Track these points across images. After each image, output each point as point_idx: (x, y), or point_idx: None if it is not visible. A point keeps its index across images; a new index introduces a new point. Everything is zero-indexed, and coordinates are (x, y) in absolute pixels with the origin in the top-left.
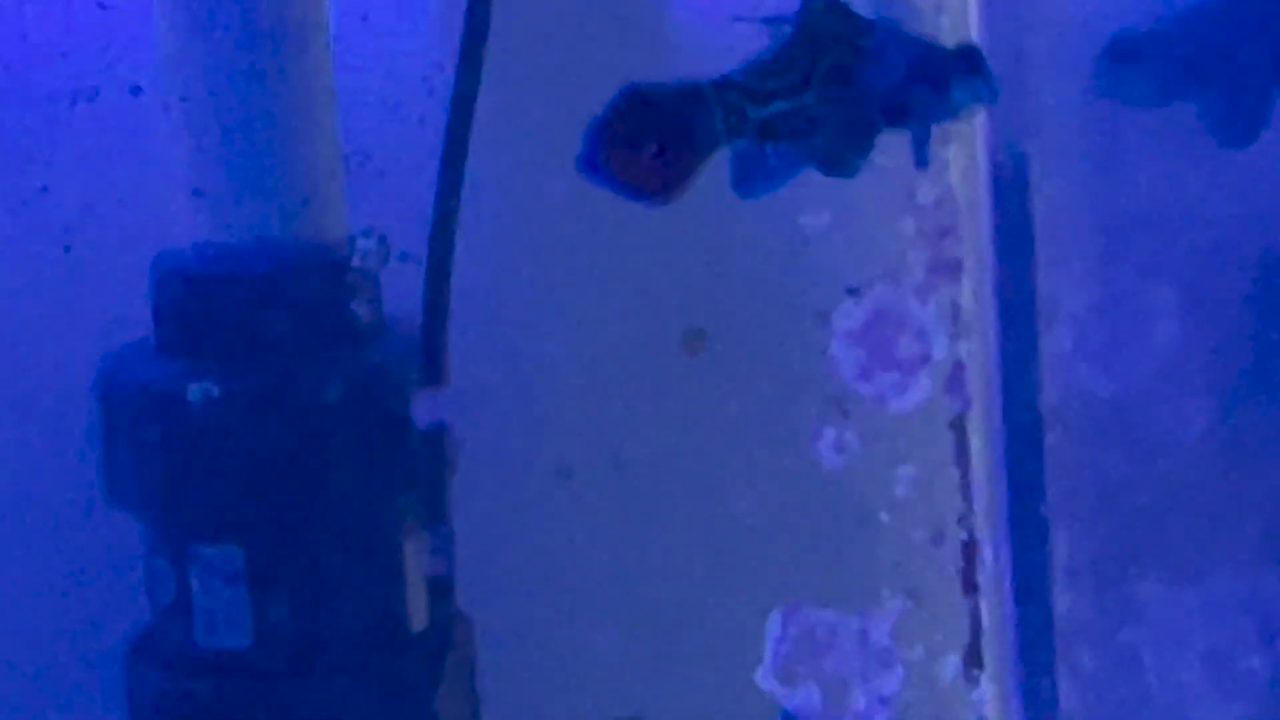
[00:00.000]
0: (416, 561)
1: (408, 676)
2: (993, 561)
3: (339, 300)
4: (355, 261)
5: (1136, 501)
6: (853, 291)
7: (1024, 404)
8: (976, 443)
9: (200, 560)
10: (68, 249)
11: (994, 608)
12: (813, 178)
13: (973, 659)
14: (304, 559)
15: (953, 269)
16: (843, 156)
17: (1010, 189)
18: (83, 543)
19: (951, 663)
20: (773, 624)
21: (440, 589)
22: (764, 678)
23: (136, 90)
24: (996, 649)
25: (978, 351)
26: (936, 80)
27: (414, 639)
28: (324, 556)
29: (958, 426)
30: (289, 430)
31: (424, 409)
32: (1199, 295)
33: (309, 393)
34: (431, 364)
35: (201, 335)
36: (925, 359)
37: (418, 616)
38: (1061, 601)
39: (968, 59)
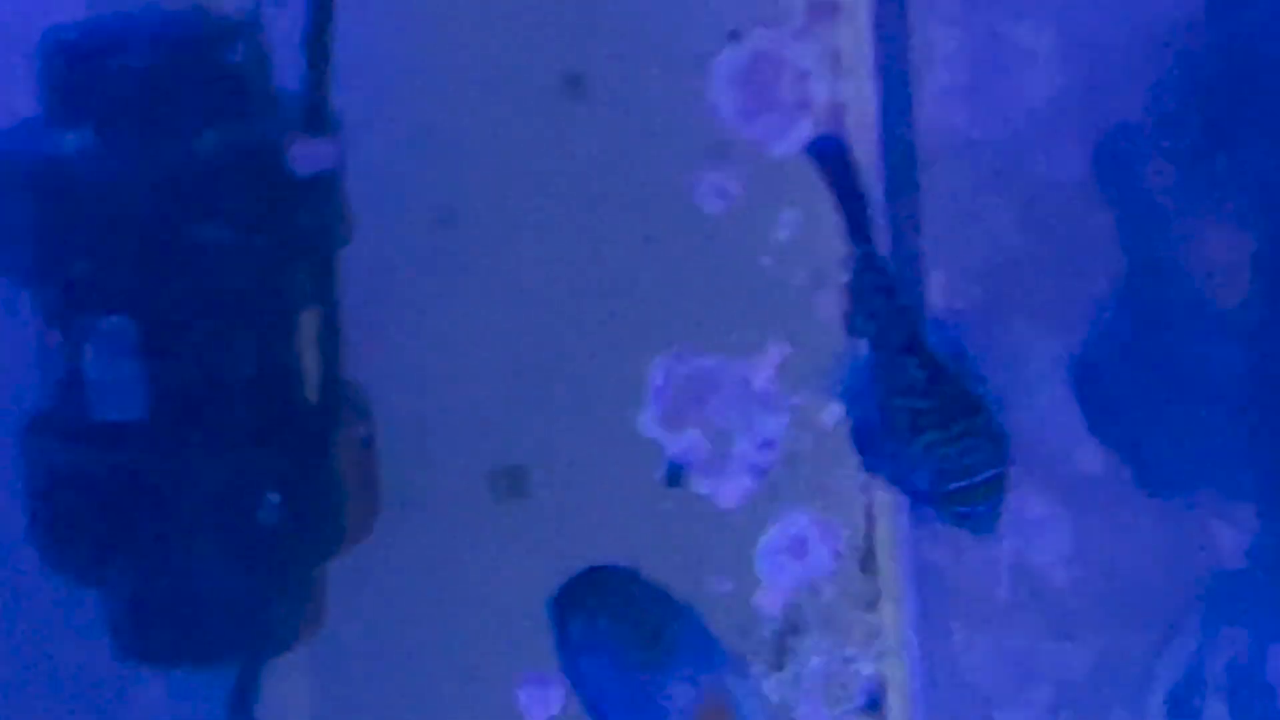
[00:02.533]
0: (308, 329)
1: (302, 444)
2: None
3: (218, 54)
4: (232, 12)
5: (1012, 243)
6: (733, 35)
7: (902, 145)
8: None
9: (91, 332)
10: None
11: None
12: None
13: None
14: (195, 327)
15: (831, 11)
16: None
17: None
18: None
19: (834, 407)
20: (656, 371)
21: (328, 356)
22: (647, 424)
23: None
24: None
25: (858, 93)
26: None
27: (309, 408)
28: (215, 325)
29: None
30: (165, 182)
31: (303, 158)
32: (1074, 39)
33: (183, 141)
34: (313, 112)
35: (82, 102)
36: (806, 102)
37: (311, 386)
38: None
39: None
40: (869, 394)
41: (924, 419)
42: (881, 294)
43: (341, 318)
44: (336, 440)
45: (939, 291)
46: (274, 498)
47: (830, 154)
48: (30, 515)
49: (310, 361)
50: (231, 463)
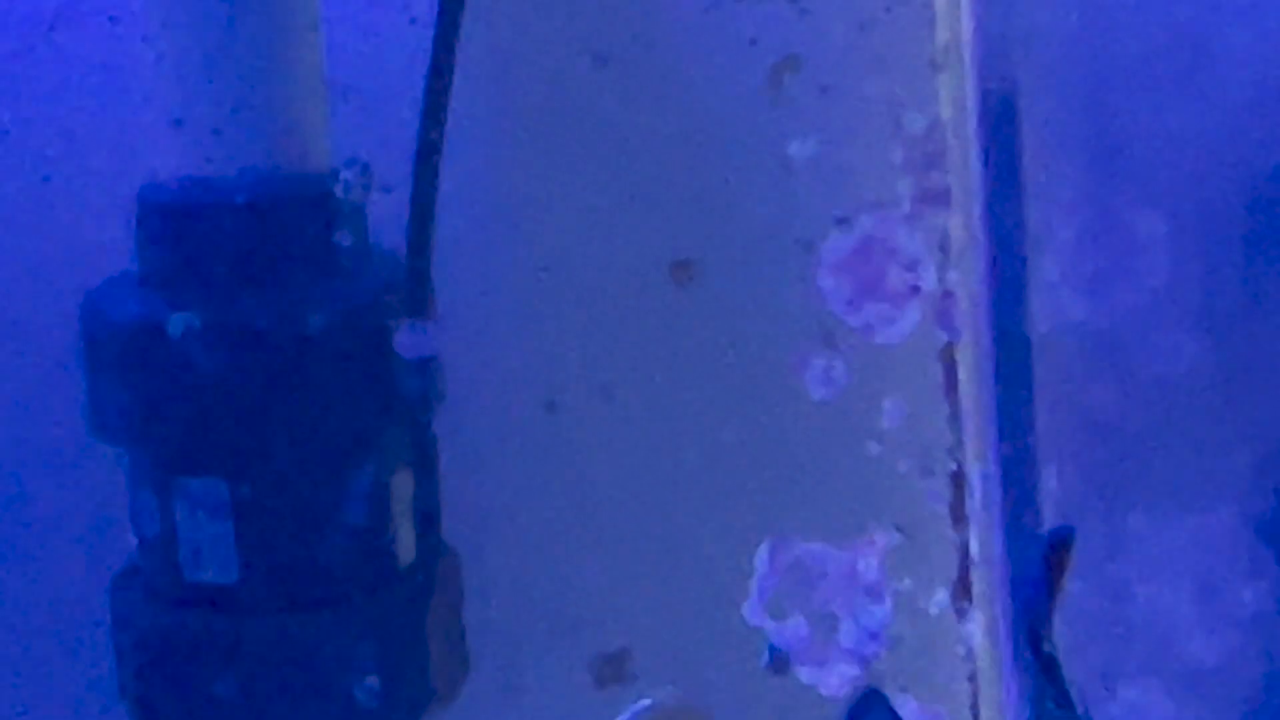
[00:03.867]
0: (402, 495)
1: (395, 611)
2: (981, 494)
3: (322, 231)
4: (338, 192)
5: (1125, 432)
6: (841, 221)
7: (1013, 335)
8: (965, 374)
9: (184, 493)
10: (47, 179)
11: (982, 540)
12: (800, 103)
13: (962, 592)
14: (289, 493)
15: (941, 198)
16: None
17: (999, 117)
18: (74, 478)
19: (940, 596)
20: (760, 557)
21: (426, 523)
22: (751, 612)
23: (115, 19)
24: (985, 582)
25: (966, 282)
26: None
27: (401, 573)
28: (309, 491)
29: (946, 357)
30: (270, 362)
31: (408, 341)
32: (1188, 224)
33: (291, 323)
34: (416, 295)
35: (183, 268)
36: (914, 289)
37: (405, 551)
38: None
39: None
40: None
41: None
42: None
43: (438, 490)
44: (431, 609)
45: (1051, 480)
46: (373, 681)
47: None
48: (118, 672)
49: (405, 532)
50: (325, 631)
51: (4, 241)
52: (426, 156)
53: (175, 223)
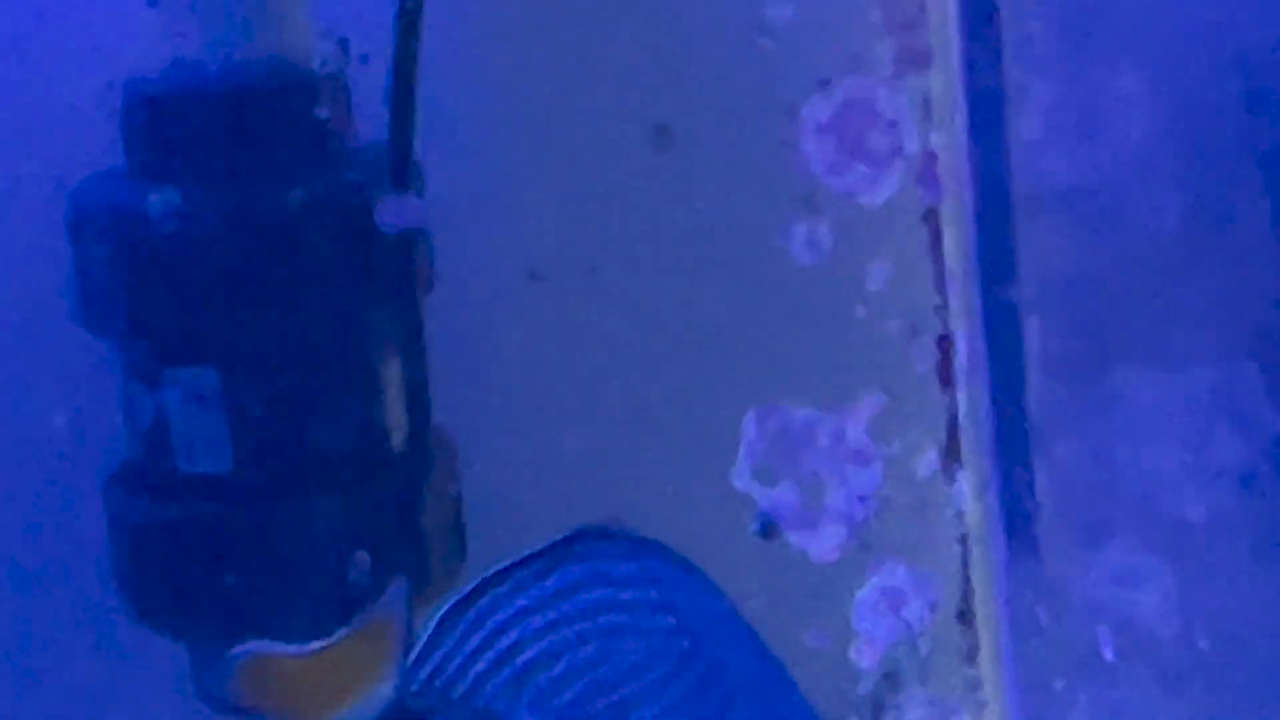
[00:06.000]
0: (392, 378)
1: (391, 495)
2: (968, 355)
3: (304, 112)
4: (316, 66)
5: (1109, 290)
6: (822, 84)
7: (996, 195)
8: (949, 235)
9: (175, 384)
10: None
11: (971, 401)
12: None
13: (951, 453)
14: (279, 379)
15: (922, 59)
16: None
17: None
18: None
19: (929, 458)
20: (747, 424)
21: (417, 406)
22: (739, 478)
23: None
24: (974, 443)
25: (949, 143)
26: None
27: (395, 457)
28: (299, 375)
29: (931, 219)
30: (253, 239)
31: (390, 215)
32: (1169, 82)
33: (272, 198)
34: (398, 169)
35: (166, 156)
36: (897, 151)
37: (397, 435)
38: (1036, 393)
39: None
40: None
41: None
42: None
43: (427, 371)
44: (425, 494)
45: (1036, 339)
46: (364, 558)
47: None
48: (114, 567)
49: (397, 415)
50: (320, 517)
51: None
52: (407, 26)
53: (156, 112)
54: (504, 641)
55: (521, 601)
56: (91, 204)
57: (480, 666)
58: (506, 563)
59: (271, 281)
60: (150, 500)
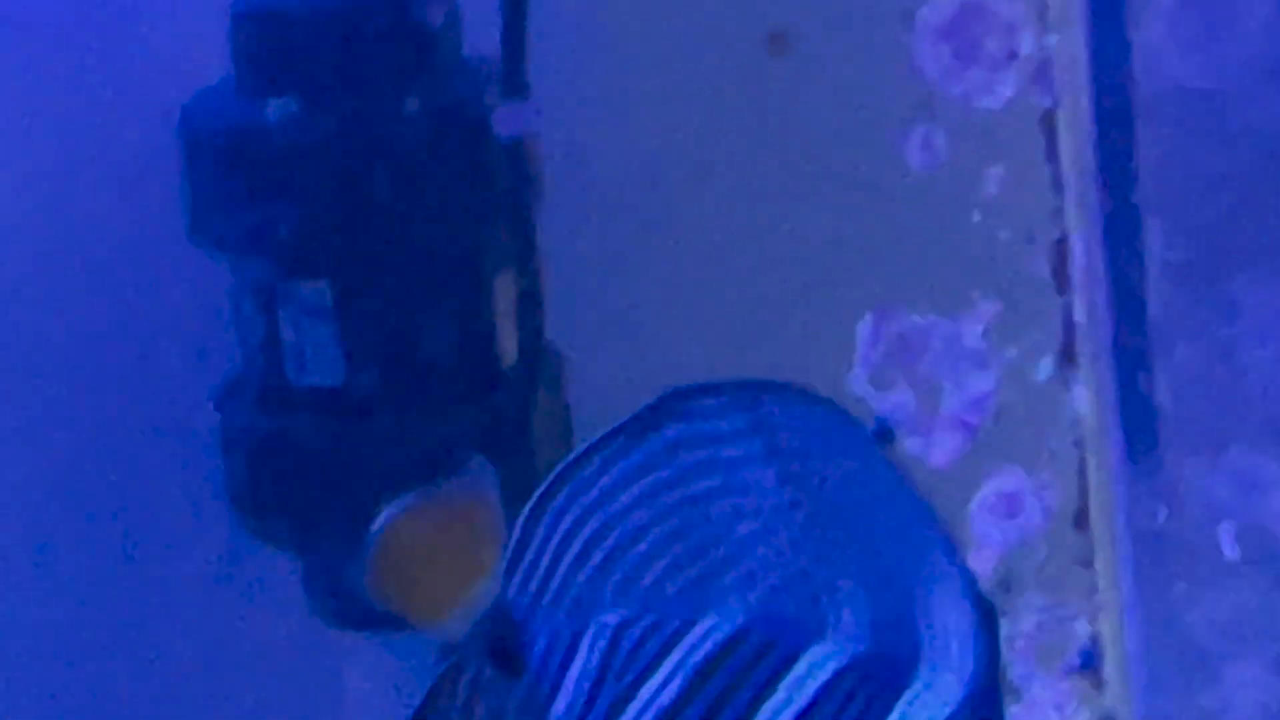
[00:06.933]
0: (506, 289)
1: (501, 410)
2: (1085, 259)
3: (413, 19)
4: None
5: (1231, 193)
6: None
7: (1115, 98)
8: (1066, 138)
9: (288, 298)
10: None
11: (1088, 306)
12: None
13: (1067, 358)
14: (391, 292)
15: None
16: None
17: None
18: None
19: (1045, 363)
20: (864, 329)
21: (528, 319)
22: (855, 383)
23: None
24: (1091, 347)
25: (1066, 46)
26: None
27: (506, 370)
28: (413, 289)
29: (1047, 123)
30: (369, 146)
31: (505, 122)
32: None
33: (388, 106)
34: (512, 75)
35: (280, 70)
36: (1012, 55)
37: (509, 346)
38: (1156, 297)
39: None
40: None
41: None
42: None
43: (541, 283)
44: (535, 406)
45: (1157, 243)
46: (482, 460)
47: None
48: (226, 481)
49: (509, 327)
50: (431, 430)
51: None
52: None
53: (268, 26)
54: (589, 528)
55: (606, 481)
56: (205, 118)
57: (568, 559)
58: (591, 441)
59: (386, 190)
60: (263, 412)
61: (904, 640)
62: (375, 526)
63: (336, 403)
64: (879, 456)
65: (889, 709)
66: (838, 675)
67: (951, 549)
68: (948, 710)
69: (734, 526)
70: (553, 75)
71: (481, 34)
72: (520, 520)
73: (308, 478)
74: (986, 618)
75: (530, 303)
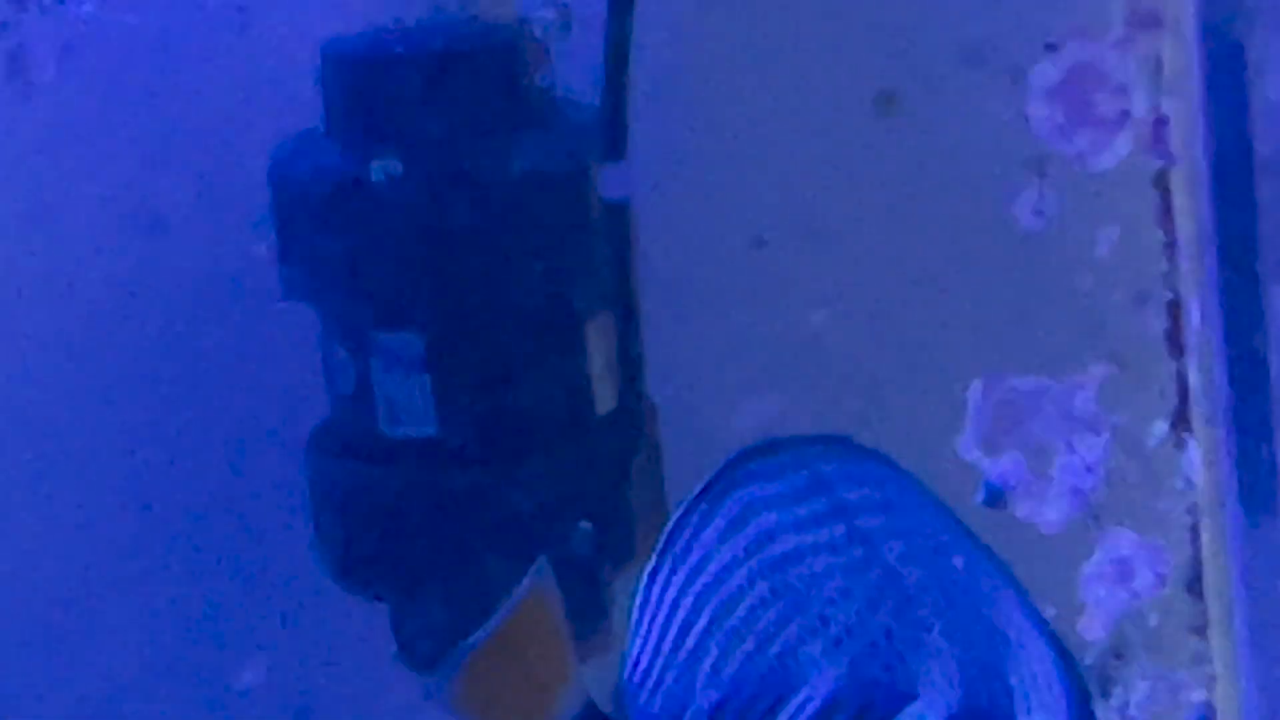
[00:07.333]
0: (601, 342)
1: (596, 460)
2: (1199, 322)
3: (515, 77)
4: (536, 33)
5: None
6: (1050, 47)
7: (1235, 158)
8: (1181, 200)
9: (380, 348)
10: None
11: (1202, 369)
12: None
13: (1180, 422)
14: (486, 343)
15: (1152, 20)
16: None
17: None
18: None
19: (1158, 427)
20: (974, 393)
21: (627, 371)
22: (966, 448)
23: None
24: (1205, 411)
25: (1181, 105)
26: None
27: (600, 421)
28: (506, 339)
29: (1160, 183)
30: (472, 207)
31: (608, 183)
32: None
33: (493, 168)
34: (613, 137)
35: (374, 120)
36: (1125, 115)
37: (604, 399)
38: (1278, 361)
39: None
40: None
41: None
42: None
43: (641, 338)
44: (632, 457)
45: (1278, 306)
46: (587, 526)
47: None
48: (316, 529)
49: (606, 381)
50: (524, 482)
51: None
52: None
53: (363, 75)
54: (683, 611)
55: (693, 558)
56: (297, 169)
57: (667, 646)
58: (678, 514)
59: (486, 247)
60: (354, 462)
61: (995, 691)
62: (449, 668)
63: (429, 453)
64: (938, 505)
65: None
66: None
67: (1021, 592)
68: None
69: (814, 591)
70: (655, 136)
71: (583, 92)
72: (635, 608)
73: (399, 528)
74: (1068, 660)
75: (631, 356)
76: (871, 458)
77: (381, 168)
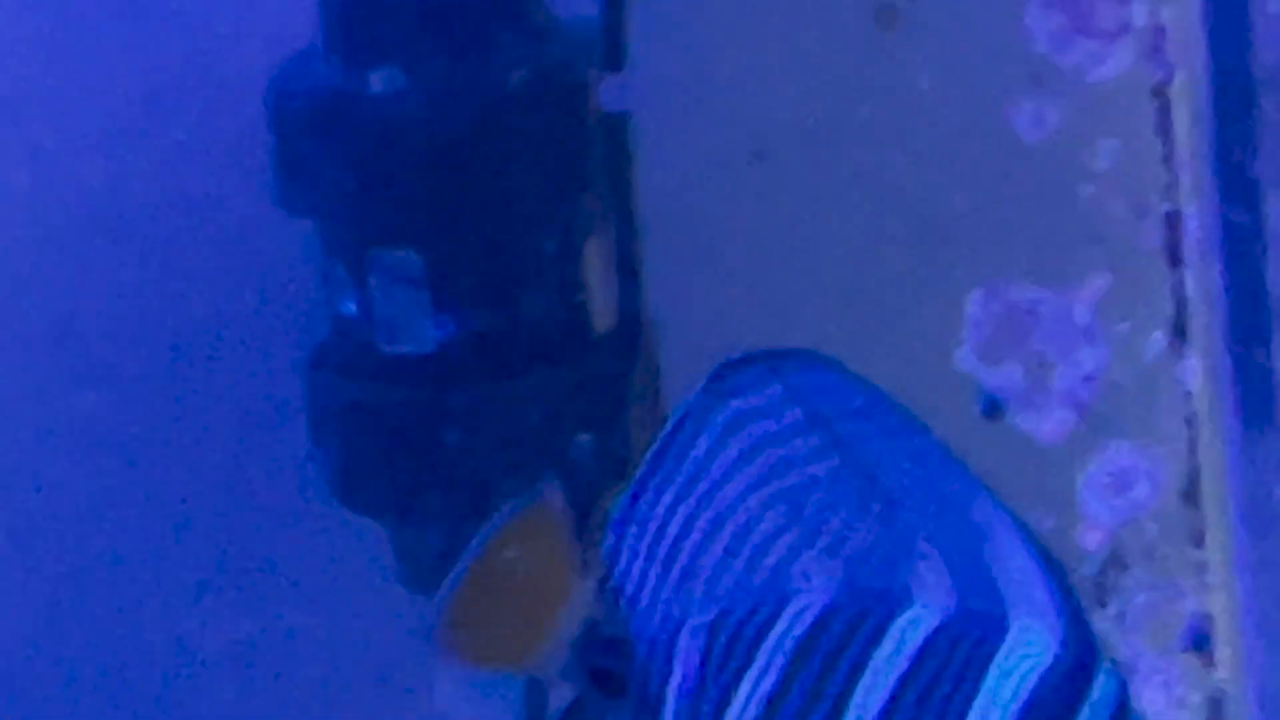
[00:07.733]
0: (601, 259)
1: (595, 379)
2: (1198, 232)
3: None
4: None
5: None
6: None
7: (1234, 69)
8: (1180, 111)
9: (379, 266)
10: None
11: (1200, 280)
12: None
13: (1179, 333)
14: (484, 260)
15: None
16: None
17: None
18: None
19: (1156, 338)
20: (972, 303)
21: (626, 287)
22: (964, 359)
23: None
24: (1203, 322)
25: (1181, 16)
26: None
27: (599, 340)
28: (504, 256)
29: (1160, 95)
30: (475, 116)
31: (608, 95)
32: None
33: (494, 80)
34: (612, 48)
35: (371, 36)
36: (1125, 26)
37: (605, 315)
38: (1275, 271)
39: None
40: None
41: None
42: None
43: (640, 251)
44: (631, 375)
45: (1276, 216)
46: (585, 438)
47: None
48: (315, 451)
49: (605, 296)
50: (523, 399)
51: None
52: None
53: None
54: (673, 530)
55: (680, 477)
56: (296, 86)
57: (657, 565)
58: (664, 434)
59: (487, 160)
60: (352, 380)
61: (986, 593)
62: (444, 587)
63: (427, 371)
64: (905, 413)
65: (987, 663)
66: (932, 637)
67: (994, 496)
68: (1048, 656)
69: (802, 501)
70: (654, 47)
71: (582, 3)
72: (611, 529)
73: (398, 447)
74: (1050, 559)
75: (630, 270)
76: (835, 367)
77: (384, 79)
